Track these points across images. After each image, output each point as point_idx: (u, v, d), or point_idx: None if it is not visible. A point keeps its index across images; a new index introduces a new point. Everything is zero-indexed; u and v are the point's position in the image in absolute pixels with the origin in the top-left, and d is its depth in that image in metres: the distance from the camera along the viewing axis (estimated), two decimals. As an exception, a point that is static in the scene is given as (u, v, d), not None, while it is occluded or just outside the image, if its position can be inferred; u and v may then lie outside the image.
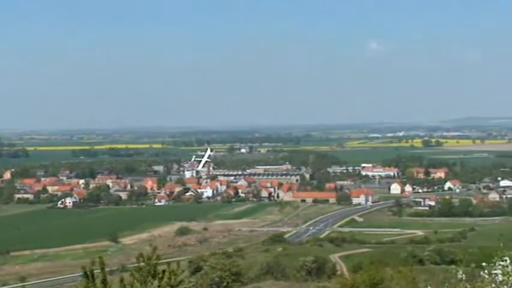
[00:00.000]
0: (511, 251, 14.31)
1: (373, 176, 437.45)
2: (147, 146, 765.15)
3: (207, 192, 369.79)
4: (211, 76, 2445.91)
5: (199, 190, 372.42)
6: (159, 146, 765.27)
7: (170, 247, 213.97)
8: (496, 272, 14.17)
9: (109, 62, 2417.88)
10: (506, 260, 14.17)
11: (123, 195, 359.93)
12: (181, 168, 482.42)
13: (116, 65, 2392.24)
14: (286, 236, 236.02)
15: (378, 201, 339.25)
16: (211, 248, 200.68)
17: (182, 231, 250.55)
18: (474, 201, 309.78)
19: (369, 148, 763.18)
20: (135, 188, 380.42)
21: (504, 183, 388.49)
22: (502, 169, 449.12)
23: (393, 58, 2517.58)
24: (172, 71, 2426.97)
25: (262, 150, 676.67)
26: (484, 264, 14.78)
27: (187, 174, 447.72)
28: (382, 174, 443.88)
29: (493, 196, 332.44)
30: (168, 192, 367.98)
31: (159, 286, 16.85)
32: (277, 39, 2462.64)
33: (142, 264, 17.04)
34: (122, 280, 16.74)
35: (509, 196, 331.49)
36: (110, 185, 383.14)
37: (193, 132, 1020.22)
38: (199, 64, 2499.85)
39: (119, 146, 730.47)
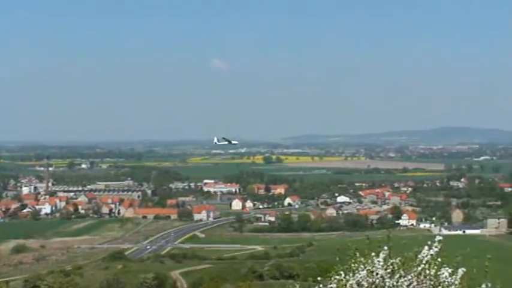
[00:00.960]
0: (347, 265, 14.51)
1: (215, 192, 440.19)
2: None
3: (46, 208, 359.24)
4: (50, 90, 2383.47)
5: (37, 206, 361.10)
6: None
7: (5, 266, 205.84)
8: (331, 286, 14.31)
9: None
10: (341, 274, 14.35)
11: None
12: (19, 184, 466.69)
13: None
14: (126, 253, 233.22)
15: (220, 217, 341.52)
16: (49, 266, 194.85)
17: (18, 249, 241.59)
18: (312, 217, 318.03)
19: (211, 164, 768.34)
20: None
21: (341, 199, 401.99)
22: (339, 185, 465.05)
23: (236, 74, 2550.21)
24: (9, 84, 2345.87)
25: (104, 166, 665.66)
26: (319, 278, 14.89)
27: (25, 190, 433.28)
28: (224, 190, 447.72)
29: (331, 211, 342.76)
30: (3, 209, 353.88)
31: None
32: (118, 52, 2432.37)
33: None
34: None
35: (345, 211, 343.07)
36: None
37: (31, 147, 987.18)
38: (36, 77, 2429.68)
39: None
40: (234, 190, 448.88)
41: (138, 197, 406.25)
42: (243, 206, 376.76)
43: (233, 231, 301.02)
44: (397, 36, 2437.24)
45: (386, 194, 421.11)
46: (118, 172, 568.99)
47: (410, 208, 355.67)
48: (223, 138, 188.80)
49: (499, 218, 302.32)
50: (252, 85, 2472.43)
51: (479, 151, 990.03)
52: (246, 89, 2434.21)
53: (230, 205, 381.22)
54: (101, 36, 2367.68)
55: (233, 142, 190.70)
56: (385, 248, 14.22)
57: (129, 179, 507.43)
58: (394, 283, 13.83)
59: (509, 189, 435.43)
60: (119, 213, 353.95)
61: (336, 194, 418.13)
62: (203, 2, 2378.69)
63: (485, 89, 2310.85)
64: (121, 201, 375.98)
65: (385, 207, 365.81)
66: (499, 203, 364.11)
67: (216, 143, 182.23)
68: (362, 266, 14.15)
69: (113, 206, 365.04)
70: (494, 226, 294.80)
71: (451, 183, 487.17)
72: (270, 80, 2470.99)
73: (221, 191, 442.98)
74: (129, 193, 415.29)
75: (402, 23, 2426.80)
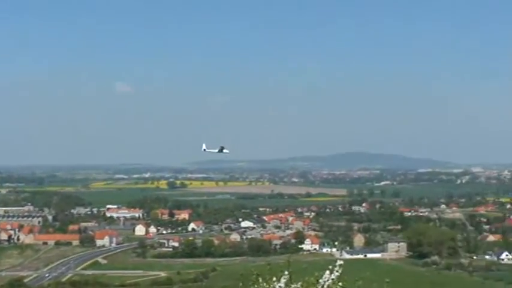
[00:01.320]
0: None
1: (118, 218, 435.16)
2: None
3: None
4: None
5: None
6: None
7: None
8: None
9: None
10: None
11: None
12: None
13: None
14: (26, 280, 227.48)
15: (123, 243, 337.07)
16: None
17: None
18: (216, 242, 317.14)
19: (115, 189, 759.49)
20: None
21: (245, 224, 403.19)
22: (243, 210, 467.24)
23: (140, 98, 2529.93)
24: None
25: (3, 191, 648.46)
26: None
27: None
28: (127, 215, 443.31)
29: (234, 237, 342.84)
30: None
31: None
32: (18, 74, 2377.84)
33: None
34: None
35: (249, 236, 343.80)
36: None
37: None
38: None
39: None
40: (137, 215, 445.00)
41: (39, 222, 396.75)
42: (147, 232, 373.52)
43: (136, 257, 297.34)
44: (300, 61, 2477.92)
45: (290, 218, 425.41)
46: (18, 197, 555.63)
47: (313, 233, 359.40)
48: (221, 147, 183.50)
49: (399, 242, 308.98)
50: (156, 109, 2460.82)
51: (380, 176, 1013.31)
52: (150, 113, 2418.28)
53: (133, 230, 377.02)
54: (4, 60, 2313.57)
55: (225, 151, 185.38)
56: (286, 272, 14.27)
57: (29, 204, 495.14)
58: (296, 308, 13.86)
59: (409, 213, 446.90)
60: (18, 239, 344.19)
61: (240, 219, 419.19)
62: (108, 28, 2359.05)
63: (386, 116, 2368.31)
64: (20, 227, 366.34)
65: (288, 232, 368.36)
66: (399, 227, 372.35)
67: (204, 149, 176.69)
68: (264, 291, 14.15)
69: (12, 232, 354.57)
70: (394, 250, 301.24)
71: (353, 208, 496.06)
72: (175, 104, 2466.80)
73: (124, 217, 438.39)
74: (29, 219, 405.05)
75: (303, 48, 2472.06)
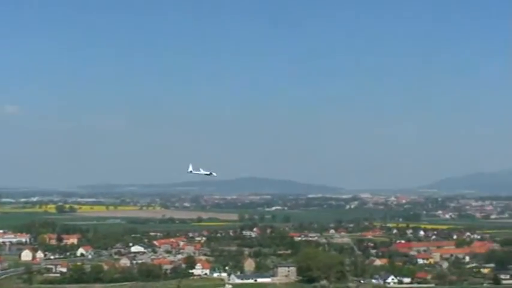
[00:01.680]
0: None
1: (4, 243, 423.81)
2: None
3: None
4: None
5: None
6: None
7: None
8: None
9: None
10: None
11: None
12: None
13: None
14: None
15: (8, 269, 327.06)
16: None
17: None
18: (105, 267, 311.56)
19: (0, 213, 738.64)
20: None
21: (135, 248, 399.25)
22: (133, 235, 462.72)
23: (27, 119, 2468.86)
24: None
25: None
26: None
27: None
28: (14, 240, 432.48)
29: (124, 261, 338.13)
30: None
31: None
32: None
33: None
34: None
35: (139, 261, 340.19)
36: None
37: None
38: None
39: None
40: (24, 240, 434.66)
41: None
42: (33, 257, 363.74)
43: (22, 283, 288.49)
44: (192, 87, 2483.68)
45: (181, 243, 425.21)
46: None
47: (204, 257, 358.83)
48: (210, 173, 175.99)
49: (288, 267, 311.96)
50: (45, 131, 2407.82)
51: (271, 201, 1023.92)
52: (39, 135, 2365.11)
53: (19, 256, 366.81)
54: None
55: (213, 174, 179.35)
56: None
57: None
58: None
59: (299, 238, 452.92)
60: None
61: (130, 244, 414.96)
62: None
63: (277, 142, 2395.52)
64: None
65: (179, 256, 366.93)
66: (289, 251, 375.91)
67: (191, 171, 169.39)
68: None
69: None
70: (284, 274, 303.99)
71: (244, 232, 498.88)
72: (66, 126, 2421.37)
73: (10, 241, 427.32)
74: None
75: (196, 74, 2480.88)
